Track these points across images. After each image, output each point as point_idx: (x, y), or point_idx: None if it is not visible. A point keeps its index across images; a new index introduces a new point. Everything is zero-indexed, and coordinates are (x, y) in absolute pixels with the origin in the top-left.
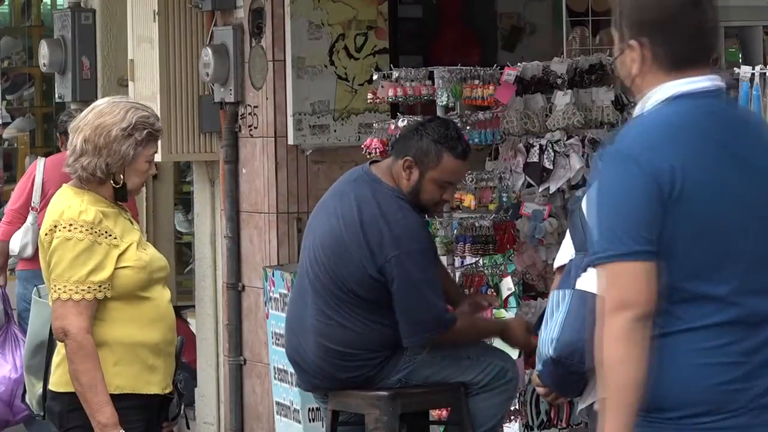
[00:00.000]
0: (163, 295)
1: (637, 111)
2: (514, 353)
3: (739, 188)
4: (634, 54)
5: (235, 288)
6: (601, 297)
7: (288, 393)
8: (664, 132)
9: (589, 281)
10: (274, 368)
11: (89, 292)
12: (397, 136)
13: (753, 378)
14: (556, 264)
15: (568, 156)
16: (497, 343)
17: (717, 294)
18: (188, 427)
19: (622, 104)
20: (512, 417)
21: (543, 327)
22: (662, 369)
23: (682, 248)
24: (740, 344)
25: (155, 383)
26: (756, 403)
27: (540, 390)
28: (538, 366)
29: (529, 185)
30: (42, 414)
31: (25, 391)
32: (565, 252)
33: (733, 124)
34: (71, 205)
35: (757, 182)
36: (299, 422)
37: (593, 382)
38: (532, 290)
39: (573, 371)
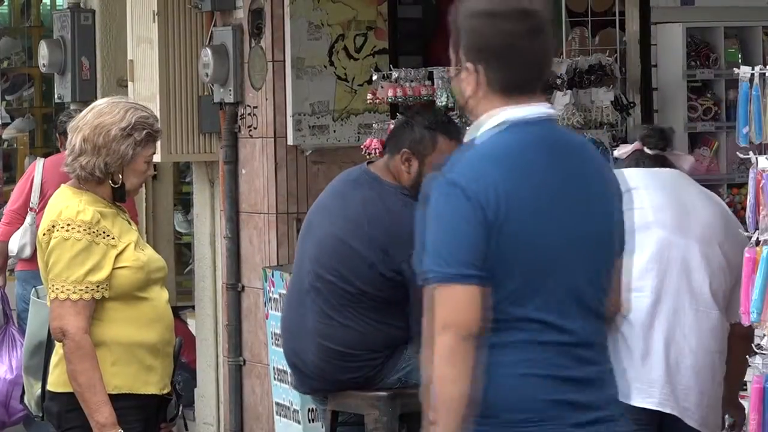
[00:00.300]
0: (161, 295)
1: (469, 134)
2: None
3: (564, 215)
4: (469, 77)
5: (235, 288)
6: (429, 317)
7: (288, 393)
8: (492, 160)
9: None
10: (274, 369)
11: (87, 292)
12: (389, 134)
13: (577, 392)
14: None
15: None
16: None
17: (538, 317)
18: (186, 428)
19: (622, 105)
20: None
21: None
22: (492, 381)
23: (505, 273)
24: (557, 360)
25: (153, 383)
26: (577, 419)
27: None
28: None
29: None
30: (41, 415)
31: (23, 392)
32: None
33: (563, 151)
34: (69, 205)
35: (584, 209)
36: (299, 423)
37: None
38: None
39: None
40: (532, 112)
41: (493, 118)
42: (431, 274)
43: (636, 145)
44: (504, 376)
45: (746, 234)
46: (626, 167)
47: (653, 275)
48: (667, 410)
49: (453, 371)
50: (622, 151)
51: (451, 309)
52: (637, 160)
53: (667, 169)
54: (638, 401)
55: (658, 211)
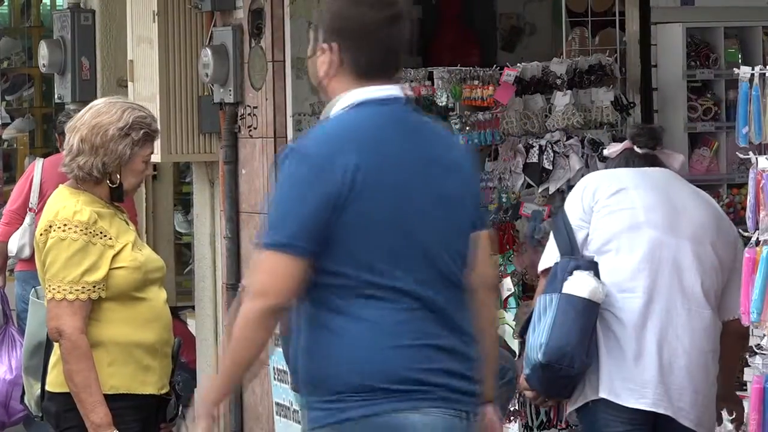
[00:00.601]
0: (159, 295)
1: (324, 113)
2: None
3: (416, 188)
4: (325, 57)
5: (235, 288)
6: (251, 275)
7: (288, 393)
8: (344, 135)
9: (575, 285)
10: (274, 369)
11: (83, 293)
12: None
13: (434, 361)
14: (541, 267)
15: (567, 156)
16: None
17: (394, 285)
18: (187, 429)
19: (622, 105)
20: (512, 417)
21: (531, 331)
22: (350, 352)
23: (359, 244)
24: (420, 330)
25: (151, 383)
26: (434, 380)
27: (528, 393)
28: (526, 370)
29: (529, 186)
30: (40, 415)
31: (23, 393)
32: (550, 255)
33: (414, 129)
34: (66, 205)
35: (434, 183)
36: (299, 423)
37: (582, 384)
38: (531, 291)
39: (562, 375)
40: (384, 92)
41: (346, 97)
42: (263, 239)
43: (626, 143)
44: (377, 348)
45: (746, 234)
46: (616, 166)
47: (645, 275)
48: (661, 411)
49: (253, 336)
50: (612, 150)
51: (269, 276)
52: (627, 159)
53: (658, 168)
54: (631, 402)
55: (649, 211)
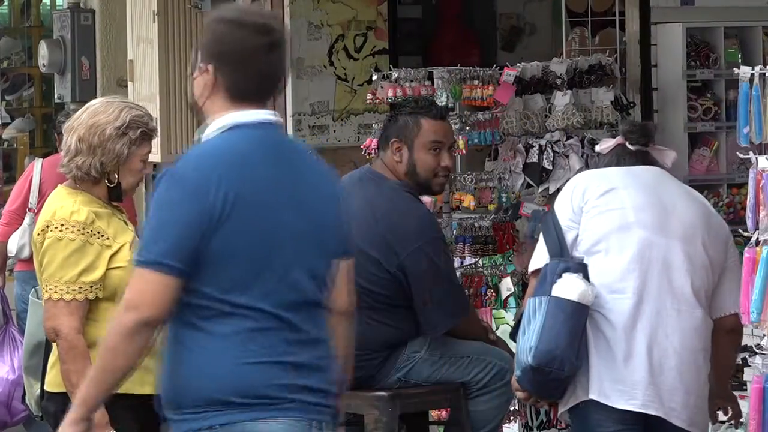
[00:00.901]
0: None
1: (197, 134)
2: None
3: (285, 213)
4: (202, 78)
5: None
6: (129, 287)
7: None
8: (216, 158)
9: (564, 288)
10: None
11: (80, 293)
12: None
13: (287, 377)
14: (531, 267)
15: (567, 156)
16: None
17: (255, 305)
18: None
19: (622, 105)
20: (512, 417)
21: (521, 334)
22: (206, 368)
23: (224, 265)
24: (276, 347)
25: (149, 383)
26: (286, 395)
27: (519, 395)
28: (517, 372)
29: (529, 186)
30: (41, 415)
31: (24, 393)
32: (540, 255)
33: (286, 154)
34: (63, 205)
35: (303, 209)
36: None
37: (573, 385)
38: None
39: (552, 378)
40: (257, 116)
41: (219, 120)
42: (138, 255)
43: (618, 140)
44: (233, 364)
45: (746, 234)
46: (607, 163)
47: (635, 276)
48: (651, 412)
49: (123, 347)
50: (604, 146)
51: (141, 292)
52: (619, 156)
53: (649, 167)
54: (621, 403)
55: (639, 212)
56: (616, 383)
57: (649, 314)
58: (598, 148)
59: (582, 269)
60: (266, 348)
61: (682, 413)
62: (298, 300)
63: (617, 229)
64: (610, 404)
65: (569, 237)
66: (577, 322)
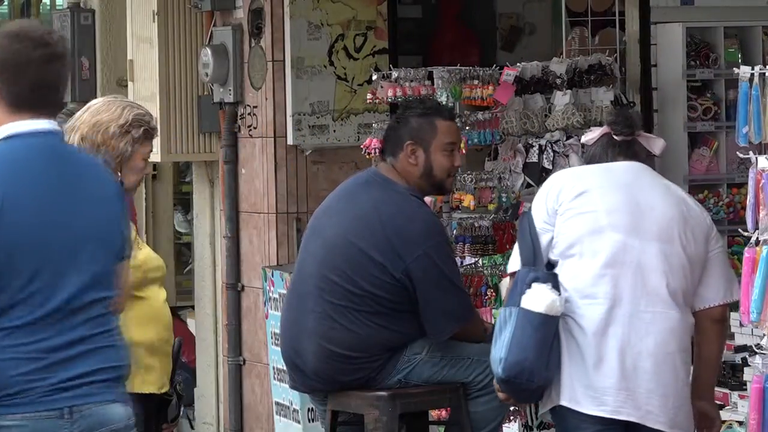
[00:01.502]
0: (158, 294)
1: None
2: None
3: (62, 217)
4: None
5: (235, 288)
6: None
7: (287, 393)
8: None
9: (532, 299)
10: (274, 368)
11: None
12: (382, 140)
13: (52, 371)
14: (509, 269)
15: (567, 156)
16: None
17: (24, 305)
18: (192, 428)
19: (622, 104)
20: (512, 417)
21: (493, 344)
22: None
23: (5, 266)
24: (41, 344)
25: (151, 382)
26: (53, 389)
27: (501, 395)
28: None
29: (529, 185)
30: None
31: None
32: (516, 259)
33: (65, 161)
34: None
35: (81, 214)
36: (299, 422)
37: (549, 389)
38: None
39: (523, 388)
40: (36, 126)
41: (1, 130)
42: None
43: (603, 129)
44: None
45: (746, 234)
46: (592, 155)
47: (606, 281)
48: (623, 417)
49: None
50: (589, 136)
51: None
52: (604, 146)
53: (628, 162)
54: (591, 409)
55: (611, 214)
56: (587, 389)
57: (621, 318)
58: (584, 138)
59: (551, 279)
60: (22, 344)
61: (660, 416)
62: (68, 306)
63: (590, 233)
64: (580, 410)
65: (544, 239)
66: (546, 333)
